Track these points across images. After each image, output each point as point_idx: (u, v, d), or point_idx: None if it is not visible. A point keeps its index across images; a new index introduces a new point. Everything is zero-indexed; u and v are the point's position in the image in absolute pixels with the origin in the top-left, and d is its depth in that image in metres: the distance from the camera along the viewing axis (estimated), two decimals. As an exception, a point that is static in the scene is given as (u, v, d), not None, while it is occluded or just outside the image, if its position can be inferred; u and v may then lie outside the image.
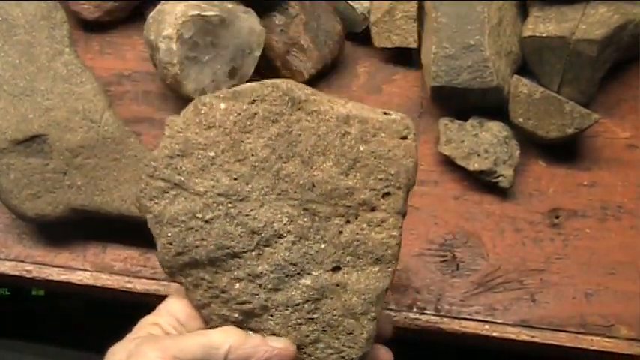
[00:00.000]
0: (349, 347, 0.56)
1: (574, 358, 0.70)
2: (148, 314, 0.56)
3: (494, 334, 0.69)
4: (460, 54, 0.75)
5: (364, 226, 0.56)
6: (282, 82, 0.56)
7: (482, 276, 0.71)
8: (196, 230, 0.55)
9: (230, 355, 0.52)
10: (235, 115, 0.55)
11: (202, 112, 0.55)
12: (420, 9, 0.81)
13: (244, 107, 0.55)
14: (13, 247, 0.74)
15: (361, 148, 0.56)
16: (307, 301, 0.55)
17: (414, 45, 0.82)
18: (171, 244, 0.55)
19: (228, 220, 0.55)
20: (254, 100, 0.55)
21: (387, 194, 0.56)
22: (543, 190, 0.76)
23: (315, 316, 0.56)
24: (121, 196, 0.71)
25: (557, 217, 0.74)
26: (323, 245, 0.55)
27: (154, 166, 0.55)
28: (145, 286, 0.72)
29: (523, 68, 0.79)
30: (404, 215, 0.56)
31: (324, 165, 0.56)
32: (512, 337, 0.69)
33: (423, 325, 0.69)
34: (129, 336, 0.54)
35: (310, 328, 0.56)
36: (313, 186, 0.55)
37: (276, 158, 0.55)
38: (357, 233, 0.56)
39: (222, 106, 0.55)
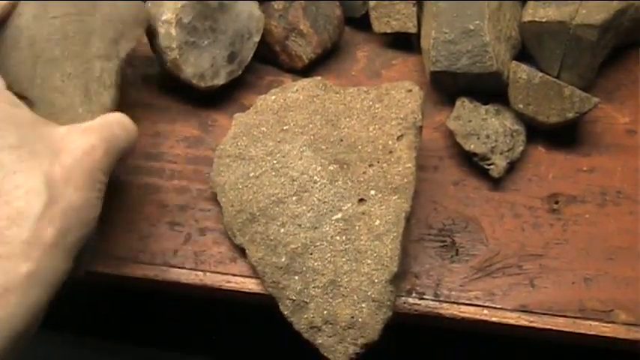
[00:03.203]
0: (376, 270, 0.62)
1: (573, 342, 0.70)
2: None
3: (494, 319, 0.69)
4: (460, 39, 0.75)
5: (384, 165, 0.66)
6: (320, 78, 0.74)
7: (481, 261, 0.71)
8: (250, 187, 0.68)
9: None
10: (282, 100, 0.73)
11: (258, 103, 0.74)
12: (420, -7, 0.81)
13: (289, 95, 0.73)
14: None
15: (377, 106, 0.70)
16: (339, 233, 0.64)
17: (413, 30, 0.81)
18: (232, 205, 0.69)
19: (274, 172, 0.68)
20: (297, 90, 0.74)
21: (401, 136, 0.67)
22: (542, 175, 0.76)
23: (347, 247, 0.64)
24: None
25: (556, 203, 0.74)
26: (350, 184, 0.66)
27: (222, 148, 0.72)
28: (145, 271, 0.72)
29: (522, 53, 0.79)
30: (416, 148, 0.67)
31: (349, 123, 0.70)
32: (512, 322, 0.69)
33: (422, 310, 0.69)
34: None
35: (344, 259, 0.63)
36: (341, 140, 0.69)
37: (312, 125, 0.70)
38: (378, 171, 0.66)
39: (272, 97, 0.74)
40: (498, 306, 0.69)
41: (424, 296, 0.70)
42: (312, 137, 0.70)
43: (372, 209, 0.65)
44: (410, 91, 0.70)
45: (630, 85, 0.81)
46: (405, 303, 0.70)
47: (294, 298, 0.64)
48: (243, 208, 0.68)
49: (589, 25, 0.73)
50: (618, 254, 0.71)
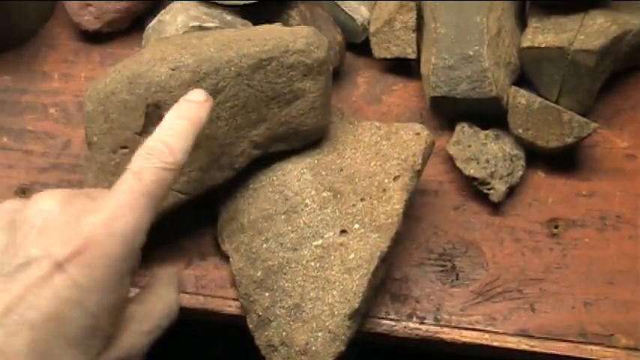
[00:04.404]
0: (339, 302, 0.63)
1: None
2: None
3: (495, 343, 0.69)
4: (459, 64, 0.75)
5: (374, 202, 0.67)
6: (339, 107, 0.77)
7: (481, 285, 0.72)
8: (246, 198, 0.70)
9: None
10: None
11: None
12: (419, 20, 0.81)
13: None
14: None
15: (383, 142, 0.70)
16: (315, 259, 0.65)
17: (412, 56, 0.82)
18: (227, 212, 0.70)
19: (271, 188, 0.69)
20: None
21: (397, 177, 0.67)
22: (542, 200, 0.76)
23: (318, 274, 0.64)
24: None
25: (556, 227, 0.75)
26: (337, 214, 0.67)
27: None
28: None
29: (522, 78, 0.80)
30: (409, 191, 0.67)
31: (354, 155, 0.71)
32: (512, 346, 0.69)
33: (423, 334, 0.70)
34: None
35: (313, 285, 0.64)
36: (341, 170, 0.70)
37: (319, 150, 0.71)
38: (367, 207, 0.67)
39: None
40: (499, 330, 0.69)
41: (425, 320, 0.70)
42: (315, 161, 0.70)
43: (351, 242, 0.65)
44: (418, 134, 0.70)
45: (629, 110, 0.81)
46: (405, 327, 0.70)
47: (261, 313, 0.65)
48: (236, 217, 0.69)
49: (587, 51, 0.74)
50: (618, 278, 0.72)
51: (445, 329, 0.70)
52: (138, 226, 0.54)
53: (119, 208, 0.53)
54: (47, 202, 0.54)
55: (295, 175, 0.69)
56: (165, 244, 0.73)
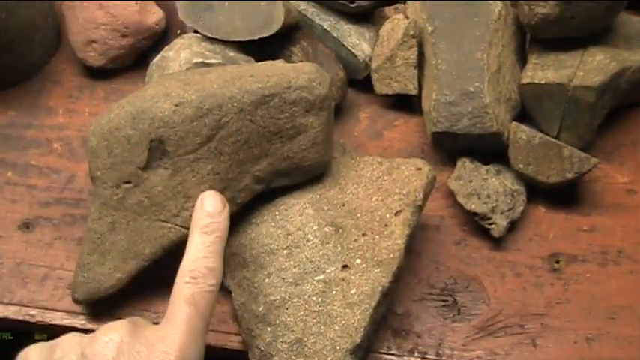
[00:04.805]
0: (341, 337, 0.63)
1: (576, 403, 0.70)
2: None
3: (496, 378, 0.69)
4: (460, 100, 0.76)
5: (376, 237, 0.67)
6: (341, 142, 0.77)
7: (483, 320, 0.72)
8: (249, 233, 0.70)
9: None
10: None
11: None
12: (420, 56, 0.82)
13: None
14: (16, 292, 0.74)
15: (385, 178, 0.71)
16: (317, 293, 0.65)
17: (414, 92, 0.82)
18: (229, 247, 0.68)
19: (273, 223, 0.69)
20: None
21: (399, 212, 0.68)
22: (543, 235, 0.76)
23: (320, 308, 0.65)
24: None
25: (557, 262, 0.75)
26: (339, 248, 0.67)
27: None
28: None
29: (522, 114, 0.80)
30: (410, 226, 0.67)
31: (356, 190, 0.71)
32: (514, 381, 0.69)
33: (425, 369, 0.70)
34: None
35: (315, 320, 0.64)
36: (343, 205, 0.70)
37: (321, 185, 0.71)
38: (369, 242, 0.67)
39: None
40: (501, 365, 0.69)
41: (426, 355, 0.70)
42: (317, 196, 0.70)
43: (353, 277, 0.65)
44: (419, 169, 0.70)
45: (629, 146, 0.82)
46: (407, 362, 0.70)
47: (263, 348, 0.65)
48: (238, 252, 0.69)
49: (587, 87, 0.74)
50: (619, 313, 0.72)
51: (447, 364, 0.70)
52: (202, 350, 0.58)
53: (184, 335, 0.56)
54: (115, 334, 0.57)
55: (297, 210, 0.70)
56: (168, 279, 0.73)
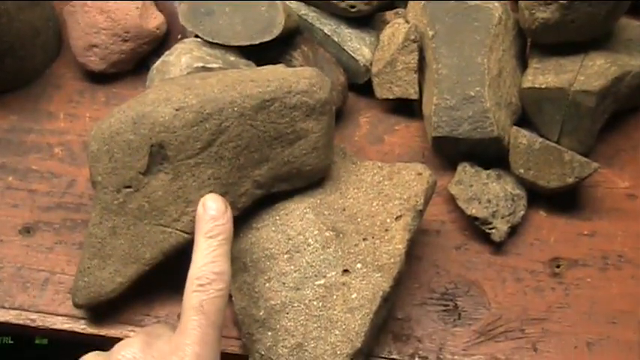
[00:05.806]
0: (342, 342, 0.63)
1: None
2: None
3: (497, 383, 0.69)
4: (461, 105, 0.76)
5: (377, 242, 0.67)
6: (342, 146, 0.76)
7: (483, 325, 0.72)
8: (249, 238, 0.69)
9: None
10: None
11: None
12: (421, 61, 0.82)
13: None
14: (17, 296, 0.74)
15: (386, 183, 0.71)
16: (317, 298, 0.65)
17: (414, 96, 0.82)
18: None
19: (273, 227, 0.69)
20: None
21: (399, 217, 0.68)
22: (544, 239, 0.76)
23: (321, 313, 0.65)
24: None
25: (558, 267, 0.75)
26: (340, 253, 0.67)
27: None
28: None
29: (523, 119, 0.80)
30: (411, 231, 0.67)
31: (356, 195, 0.71)
32: (515, 386, 0.69)
33: (426, 374, 0.70)
34: None
35: (315, 325, 0.65)
36: (344, 210, 0.70)
37: (322, 189, 0.71)
38: (370, 246, 0.67)
39: None
40: (501, 370, 0.69)
41: (427, 360, 0.70)
42: (318, 201, 0.70)
43: (353, 282, 0.66)
44: (420, 174, 0.70)
45: (630, 150, 0.82)
46: (408, 367, 0.70)
47: (263, 353, 0.65)
48: (239, 256, 0.69)
49: (587, 92, 0.74)
50: (620, 318, 0.72)
51: (447, 369, 0.70)
52: (217, 356, 0.58)
53: (196, 346, 0.57)
54: (130, 350, 0.57)
55: (298, 215, 0.69)
56: (168, 283, 0.73)
